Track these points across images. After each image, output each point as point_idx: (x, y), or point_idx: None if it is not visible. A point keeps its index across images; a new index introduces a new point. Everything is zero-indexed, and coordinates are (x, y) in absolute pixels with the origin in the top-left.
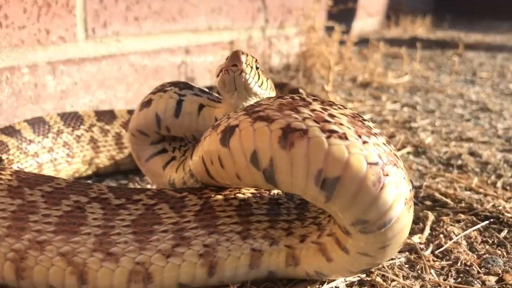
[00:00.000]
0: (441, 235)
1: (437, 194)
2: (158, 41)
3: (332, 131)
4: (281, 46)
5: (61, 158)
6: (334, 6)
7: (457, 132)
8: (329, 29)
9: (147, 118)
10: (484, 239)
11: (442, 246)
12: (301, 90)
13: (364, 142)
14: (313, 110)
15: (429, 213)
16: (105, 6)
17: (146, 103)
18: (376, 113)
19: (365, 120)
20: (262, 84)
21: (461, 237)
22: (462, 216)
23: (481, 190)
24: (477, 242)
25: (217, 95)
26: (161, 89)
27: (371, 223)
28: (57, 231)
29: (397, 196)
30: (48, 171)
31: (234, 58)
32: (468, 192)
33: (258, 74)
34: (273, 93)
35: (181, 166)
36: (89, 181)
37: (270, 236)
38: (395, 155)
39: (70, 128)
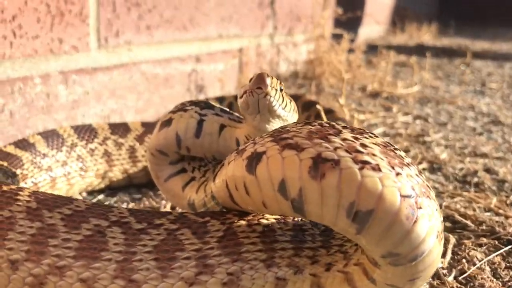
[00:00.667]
0: (464, 260)
1: (456, 216)
2: (169, 50)
3: (365, 162)
4: (289, 53)
5: (74, 172)
6: (343, 14)
7: (471, 146)
8: (336, 37)
9: (167, 138)
10: (508, 264)
11: (465, 271)
12: (318, 106)
13: (398, 174)
14: (344, 139)
15: (450, 236)
16: (118, 15)
17: (166, 123)
18: (389, 125)
19: (396, 149)
20: (286, 106)
21: (485, 262)
22: (484, 240)
23: (500, 211)
24: (500, 268)
25: (238, 115)
26: (182, 108)
27: (402, 256)
28: (77, 256)
29: (430, 229)
30: (61, 185)
31: (259, 81)
32: (488, 214)
33: (282, 96)
34: (296, 115)
35: (202, 187)
36: (103, 199)
37: (295, 264)
38: (427, 186)
39: (84, 141)
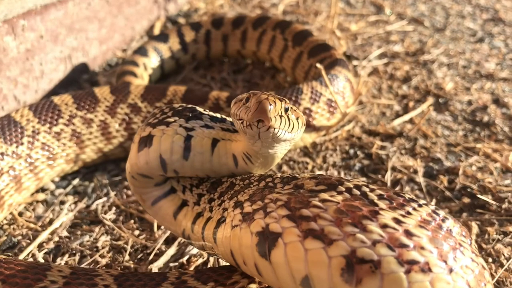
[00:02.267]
0: (490, 259)
1: (474, 187)
2: None
3: (412, 262)
4: None
5: (41, 164)
6: None
7: (474, 63)
8: None
9: (150, 162)
10: None
11: (493, 276)
12: (318, 65)
13: (451, 271)
14: (384, 226)
15: (473, 224)
16: None
17: (146, 140)
18: (384, 39)
19: (446, 218)
20: (292, 128)
21: None
22: (510, 228)
23: None
24: None
25: (231, 120)
26: (162, 120)
27: None
28: None
29: None
30: (29, 183)
31: (259, 113)
32: (508, 181)
33: (288, 118)
34: (303, 128)
35: (199, 223)
36: (78, 185)
37: None
38: (484, 268)
39: (47, 124)
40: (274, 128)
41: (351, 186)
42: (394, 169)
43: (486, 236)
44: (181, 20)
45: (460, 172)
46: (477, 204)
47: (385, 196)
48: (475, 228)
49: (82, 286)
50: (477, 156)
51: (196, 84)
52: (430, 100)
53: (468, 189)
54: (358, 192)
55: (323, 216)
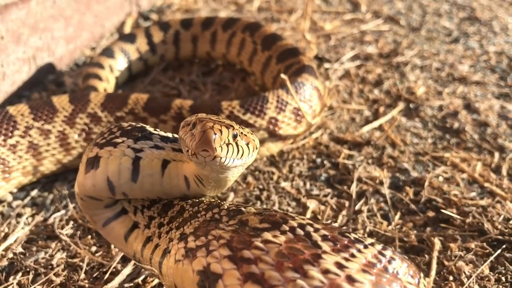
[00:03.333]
0: (451, 277)
1: (439, 200)
2: None
3: None
4: None
5: None
6: None
7: (448, 66)
8: None
9: (97, 185)
10: (497, 276)
11: None
12: (283, 76)
13: None
14: (326, 272)
15: (435, 240)
16: None
17: (92, 162)
18: (358, 39)
19: (392, 259)
20: (242, 155)
21: (473, 280)
22: (472, 244)
23: (486, 184)
24: (490, 283)
25: None
26: (110, 140)
27: None
28: None
29: None
30: None
31: (203, 143)
32: (474, 193)
33: (237, 144)
34: (255, 152)
35: (148, 247)
36: (36, 196)
37: None
38: None
39: (1, 137)
40: (221, 158)
41: (295, 225)
42: (360, 180)
43: (449, 253)
44: (154, 16)
45: (426, 183)
46: (441, 218)
47: (329, 237)
48: (437, 244)
49: None
50: (444, 166)
51: (165, 86)
52: (401, 105)
53: (433, 202)
54: (302, 232)
55: (264, 259)
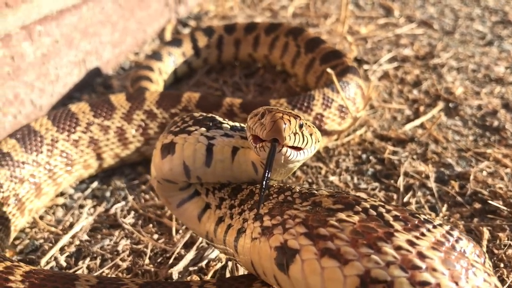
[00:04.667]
0: (502, 264)
1: (485, 193)
2: None
3: (424, 284)
4: None
5: (60, 170)
6: None
7: (483, 67)
8: None
9: (174, 169)
10: None
11: (505, 281)
12: (329, 70)
13: None
14: (398, 248)
15: (484, 229)
16: None
17: (168, 148)
18: (394, 42)
19: (460, 238)
20: (307, 144)
21: None
22: None
23: None
24: None
25: None
26: (183, 128)
27: None
28: None
29: None
30: (48, 189)
31: (274, 131)
32: None
33: (303, 134)
34: (318, 145)
35: (221, 227)
36: (96, 189)
37: None
38: (497, 287)
39: (65, 133)
40: (288, 148)
41: (368, 206)
42: (406, 174)
43: (498, 242)
44: (192, 23)
45: (471, 177)
46: (488, 209)
47: (400, 217)
48: (486, 234)
49: None
50: (487, 161)
51: (209, 88)
52: (441, 104)
53: (479, 195)
54: (374, 213)
55: (339, 236)
